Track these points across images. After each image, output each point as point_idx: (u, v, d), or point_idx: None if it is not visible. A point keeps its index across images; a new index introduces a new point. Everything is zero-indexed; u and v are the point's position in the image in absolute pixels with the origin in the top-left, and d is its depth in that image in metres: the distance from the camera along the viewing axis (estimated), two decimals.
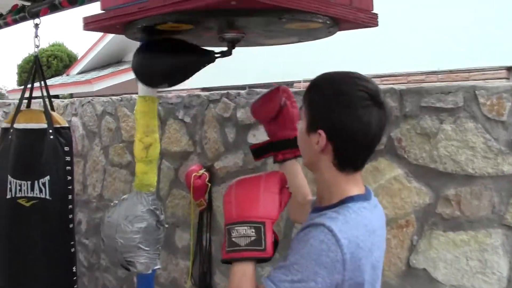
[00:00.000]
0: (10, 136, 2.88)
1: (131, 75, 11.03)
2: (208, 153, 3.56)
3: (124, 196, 2.28)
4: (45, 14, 2.70)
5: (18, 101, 2.74)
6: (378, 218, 1.56)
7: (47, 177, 2.81)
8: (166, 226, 2.30)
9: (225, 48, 1.83)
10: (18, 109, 2.91)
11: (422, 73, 7.21)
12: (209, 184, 3.50)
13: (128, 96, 4.21)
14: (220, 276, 3.52)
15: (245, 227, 1.45)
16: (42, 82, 2.97)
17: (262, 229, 1.44)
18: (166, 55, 1.79)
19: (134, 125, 3.99)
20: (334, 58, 7.52)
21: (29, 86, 2.99)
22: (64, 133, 2.91)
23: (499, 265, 2.34)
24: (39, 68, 2.95)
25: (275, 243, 1.51)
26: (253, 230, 1.44)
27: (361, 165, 1.54)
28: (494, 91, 2.40)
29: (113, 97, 4.35)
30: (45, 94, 2.99)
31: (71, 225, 2.95)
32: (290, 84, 7.54)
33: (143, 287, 2.26)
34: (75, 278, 3.03)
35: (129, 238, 2.17)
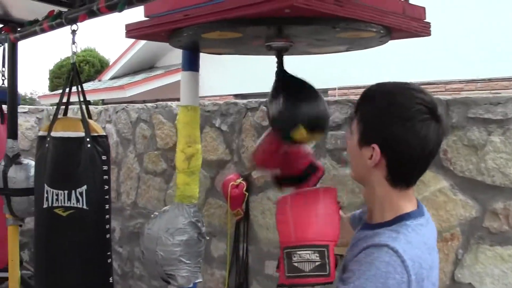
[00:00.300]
0: (47, 145, 2.85)
1: (164, 81, 11.10)
2: (246, 162, 3.51)
3: (165, 208, 2.23)
4: (83, 20, 2.67)
5: (52, 107, 2.72)
6: (433, 234, 1.49)
7: (84, 187, 2.77)
8: (207, 238, 2.24)
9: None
10: (55, 117, 2.89)
11: (460, 82, 7.10)
12: (247, 194, 3.44)
13: (163, 103, 4.18)
14: (257, 286, 3.46)
15: (309, 252, 1.39)
16: (78, 88, 2.93)
17: (326, 253, 1.40)
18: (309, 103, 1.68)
19: (169, 132, 3.98)
20: (371, 65, 7.48)
21: (66, 92, 2.95)
22: (101, 142, 2.87)
23: None
24: (76, 74, 2.92)
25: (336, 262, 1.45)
26: (317, 255, 1.39)
27: (415, 181, 1.46)
28: None
29: (148, 104, 4.33)
30: (82, 101, 2.95)
31: (107, 235, 2.90)
32: (325, 91, 7.49)
33: None
34: None
35: (169, 251, 2.12)
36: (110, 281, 2.96)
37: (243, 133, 3.52)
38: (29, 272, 4.67)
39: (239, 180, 3.46)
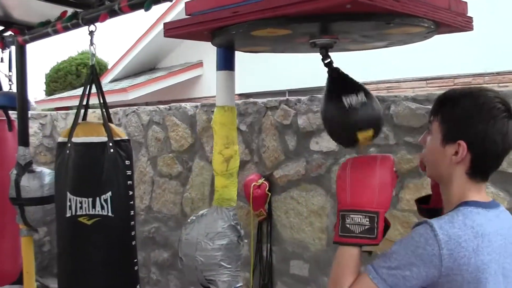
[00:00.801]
0: (68, 151, 2.77)
1: (167, 83, 11.00)
2: (267, 162, 3.47)
3: (202, 212, 2.17)
4: (104, 20, 2.61)
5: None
6: (497, 225, 1.51)
7: (109, 193, 2.70)
8: (246, 241, 2.20)
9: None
10: (76, 121, 2.82)
11: (468, 76, 7.13)
12: (269, 194, 3.41)
13: (177, 104, 4.12)
14: (282, 287, 3.42)
15: (360, 216, 1.52)
16: (98, 91, 2.87)
17: (376, 219, 1.52)
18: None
19: (184, 134, 3.93)
20: (378, 62, 7.45)
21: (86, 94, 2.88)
22: (124, 146, 2.79)
23: None
24: (95, 77, 2.85)
25: (386, 228, 1.56)
26: (368, 220, 1.52)
27: (490, 175, 1.57)
28: None
29: (161, 106, 4.27)
30: (102, 104, 2.89)
31: (133, 242, 2.84)
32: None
33: None
34: None
35: (210, 256, 2.06)
36: None
37: (263, 132, 3.48)
38: (38, 283, 4.60)
39: (261, 181, 3.43)
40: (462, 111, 1.51)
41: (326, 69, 1.74)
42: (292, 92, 8.04)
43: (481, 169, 1.53)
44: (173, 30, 1.76)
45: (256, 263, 3.48)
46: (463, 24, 1.75)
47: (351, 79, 1.71)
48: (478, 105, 1.49)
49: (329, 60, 1.73)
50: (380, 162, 1.58)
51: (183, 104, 4.07)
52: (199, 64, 11.47)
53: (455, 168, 1.53)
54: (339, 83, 1.69)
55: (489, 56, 6.87)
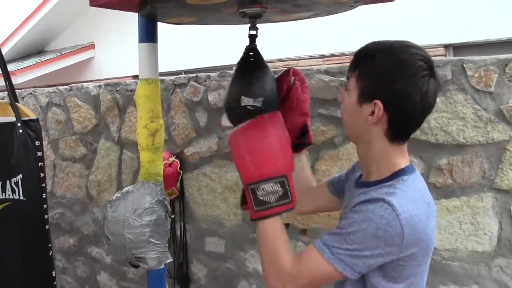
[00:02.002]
0: None
1: (57, 66, 10.51)
2: (177, 140, 3.44)
3: (128, 188, 2.12)
4: None
5: None
6: (426, 187, 1.54)
7: (19, 176, 2.58)
8: (172, 216, 2.18)
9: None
10: None
11: None
12: (181, 172, 3.38)
13: (78, 85, 3.98)
14: (197, 265, 3.42)
15: (271, 184, 1.44)
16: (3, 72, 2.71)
17: (286, 181, 1.45)
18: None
19: (87, 115, 3.80)
20: (273, 41, 7.52)
21: None
22: (33, 126, 2.67)
23: (490, 226, 2.46)
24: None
25: None
26: (279, 185, 1.45)
27: (410, 136, 1.52)
28: (482, 63, 2.48)
29: (60, 87, 4.10)
30: (8, 84, 2.73)
31: (47, 226, 2.73)
32: (233, 66, 7.41)
33: (155, 284, 2.12)
34: (54, 283, 2.82)
35: (138, 233, 2.03)
36: (53, 274, 2.81)
37: (172, 110, 3.43)
38: None
39: (172, 159, 3.39)
40: (380, 67, 1.41)
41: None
42: (187, 72, 8.00)
43: (401, 130, 1.47)
44: None
45: (170, 242, 3.45)
46: None
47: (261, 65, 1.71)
48: (398, 61, 1.40)
49: (255, 32, 1.74)
50: (269, 119, 1.50)
51: (85, 84, 3.93)
52: (91, 46, 11.11)
53: (373, 129, 1.46)
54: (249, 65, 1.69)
55: (384, 32, 7.15)
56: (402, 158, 1.50)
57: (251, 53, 1.71)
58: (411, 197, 1.40)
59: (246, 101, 1.62)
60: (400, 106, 1.40)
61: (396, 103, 1.40)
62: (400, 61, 1.40)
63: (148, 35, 1.99)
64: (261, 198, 1.44)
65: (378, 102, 1.40)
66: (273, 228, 1.46)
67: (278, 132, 1.49)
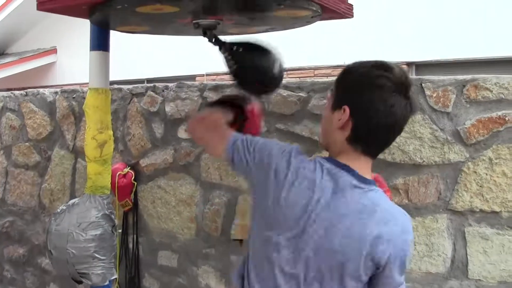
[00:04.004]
0: None
1: (18, 69, 10.26)
2: (132, 150, 3.36)
3: (73, 201, 2.05)
4: None
5: None
6: (348, 201, 1.48)
7: None
8: (119, 231, 2.11)
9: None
10: None
11: (328, 67, 7.40)
12: (135, 183, 3.31)
13: (34, 90, 3.87)
14: (150, 279, 3.34)
15: None
16: None
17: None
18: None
19: (42, 122, 3.70)
20: None
21: None
22: None
23: (444, 247, 2.46)
24: None
25: None
26: None
27: (373, 150, 1.55)
28: (440, 83, 2.49)
29: (16, 92, 3.99)
30: None
31: None
32: (193, 77, 7.42)
33: None
34: None
35: (82, 248, 1.96)
36: None
37: (129, 120, 3.36)
38: None
39: (126, 170, 3.32)
40: (353, 79, 1.51)
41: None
42: (150, 81, 7.93)
43: (361, 137, 1.50)
44: (48, 3, 1.63)
45: (122, 255, 3.36)
46: (345, 10, 1.80)
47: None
48: (370, 75, 1.48)
49: (214, 39, 1.72)
50: None
51: (41, 90, 3.83)
52: (53, 50, 10.93)
53: (338, 133, 1.51)
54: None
55: (348, 48, 7.21)
56: (354, 162, 1.51)
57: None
58: (309, 161, 1.52)
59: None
60: (365, 114, 1.46)
61: (363, 111, 1.46)
62: (371, 74, 1.48)
63: (100, 43, 1.93)
64: None
65: (346, 108, 1.47)
66: None
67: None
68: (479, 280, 2.41)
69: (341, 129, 1.49)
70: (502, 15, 6.70)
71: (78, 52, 9.18)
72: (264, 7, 1.54)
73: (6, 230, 4.05)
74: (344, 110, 1.47)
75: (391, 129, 1.50)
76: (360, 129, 1.48)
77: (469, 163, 2.43)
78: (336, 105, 1.51)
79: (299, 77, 7.19)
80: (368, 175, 1.53)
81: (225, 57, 1.75)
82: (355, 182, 1.48)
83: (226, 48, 1.70)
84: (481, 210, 2.41)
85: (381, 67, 1.49)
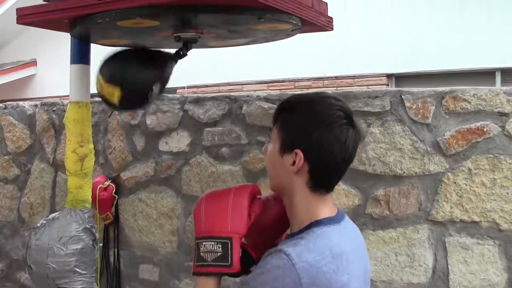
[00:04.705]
0: None
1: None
2: (113, 163, 3.35)
3: (54, 215, 2.04)
4: None
5: None
6: (350, 241, 1.49)
7: None
8: (100, 245, 2.09)
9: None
10: None
11: (309, 79, 7.47)
12: (116, 196, 3.29)
13: (13, 103, 3.84)
14: None
15: (212, 243, 1.43)
16: None
17: (229, 245, 1.43)
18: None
19: (21, 135, 3.67)
20: (218, 65, 7.54)
21: None
22: None
23: (425, 258, 2.48)
24: None
25: (251, 260, 1.50)
26: (220, 246, 1.43)
27: (333, 186, 1.50)
28: (420, 95, 2.51)
29: None
30: None
31: None
32: (174, 90, 7.41)
33: None
34: None
35: (63, 262, 1.94)
36: None
37: (110, 133, 3.35)
38: None
39: (107, 183, 3.30)
40: (299, 118, 1.44)
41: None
42: None
43: (322, 180, 1.46)
44: (28, 16, 1.63)
45: (103, 269, 3.34)
46: (325, 23, 1.81)
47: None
48: (314, 112, 1.43)
49: (184, 54, 1.73)
50: (235, 190, 1.51)
51: (20, 103, 3.80)
52: (33, 62, 10.87)
53: (294, 179, 1.45)
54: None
55: (328, 60, 7.28)
56: (324, 207, 1.47)
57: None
58: (315, 247, 1.36)
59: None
60: (319, 155, 1.41)
61: (315, 152, 1.41)
62: (317, 111, 1.43)
63: (81, 56, 1.93)
64: (201, 254, 1.44)
65: (299, 151, 1.41)
66: (203, 286, 1.45)
67: (239, 200, 1.48)
68: None
69: (296, 174, 1.44)
70: (479, 28, 6.82)
71: (58, 64, 9.17)
72: (245, 21, 1.55)
73: None
74: (297, 154, 1.42)
75: (347, 163, 1.46)
76: (319, 172, 1.44)
77: (449, 173, 2.45)
78: (286, 148, 1.45)
79: (279, 90, 7.25)
80: (334, 207, 1.52)
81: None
82: (341, 230, 1.46)
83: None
84: (461, 220, 2.43)
85: (324, 102, 1.46)
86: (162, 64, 1.73)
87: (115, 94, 1.68)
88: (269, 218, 1.57)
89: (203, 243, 1.43)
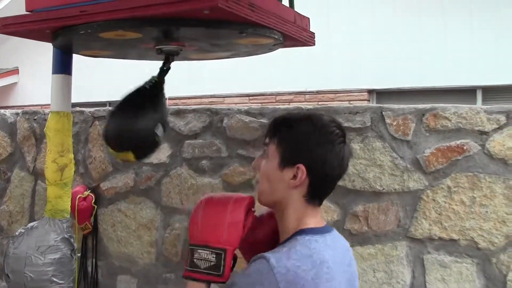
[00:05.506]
0: None
1: None
2: (93, 173, 3.33)
3: (32, 224, 2.02)
4: None
5: None
6: (334, 253, 1.51)
7: None
8: (78, 255, 2.08)
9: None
10: None
11: (290, 93, 7.49)
12: (95, 206, 3.27)
13: None
14: None
15: (207, 252, 1.48)
16: None
17: (223, 256, 1.47)
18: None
19: (2, 142, 3.64)
20: (202, 76, 7.54)
21: None
22: None
23: (403, 275, 2.48)
24: None
25: (233, 264, 1.53)
26: (214, 256, 1.47)
27: (324, 199, 1.55)
28: (400, 112, 2.53)
29: None
30: None
31: None
32: None
33: None
34: None
35: (40, 272, 1.93)
36: None
37: (90, 143, 3.34)
38: None
39: (86, 193, 3.29)
40: (301, 134, 1.49)
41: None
42: (112, 104, 7.89)
43: (319, 193, 1.51)
44: (11, 26, 1.63)
45: (80, 279, 3.31)
46: (307, 38, 1.82)
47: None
48: (317, 128, 1.48)
49: (167, 68, 1.73)
50: (233, 202, 1.53)
51: (2, 111, 3.78)
52: (15, 71, 10.81)
53: (292, 192, 1.49)
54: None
55: (310, 75, 7.32)
56: (311, 218, 1.51)
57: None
58: (295, 254, 1.41)
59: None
60: (322, 170, 1.46)
61: (318, 167, 1.45)
62: (318, 128, 1.47)
63: (62, 66, 1.93)
64: (195, 260, 1.48)
65: (302, 166, 1.45)
66: None
67: (236, 212, 1.51)
68: None
69: (295, 188, 1.48)
70: (460, 46, 6.90)
71: (40, 73, 9.11)
72: (227, 36, 1.56)
73: None
74: (299, 168, 1.46)
75: (340, 178, 1.53)
76: (318, 185, 1.48)
77: (428, 191, 2.47)
78: (286, 163, 1.48)
79: (261, 103, 7.27)
80: (322, 221, 1.55)
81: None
82: (325, 240, 1.49)
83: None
84: (439, 238, 2.44)
85: (322, 119, 1.51)
86: (158, 102, 1.75)
87: (129, 157, 1.74)
88: (262, 233, 1.63)
89: (198, 251, 1.48)
